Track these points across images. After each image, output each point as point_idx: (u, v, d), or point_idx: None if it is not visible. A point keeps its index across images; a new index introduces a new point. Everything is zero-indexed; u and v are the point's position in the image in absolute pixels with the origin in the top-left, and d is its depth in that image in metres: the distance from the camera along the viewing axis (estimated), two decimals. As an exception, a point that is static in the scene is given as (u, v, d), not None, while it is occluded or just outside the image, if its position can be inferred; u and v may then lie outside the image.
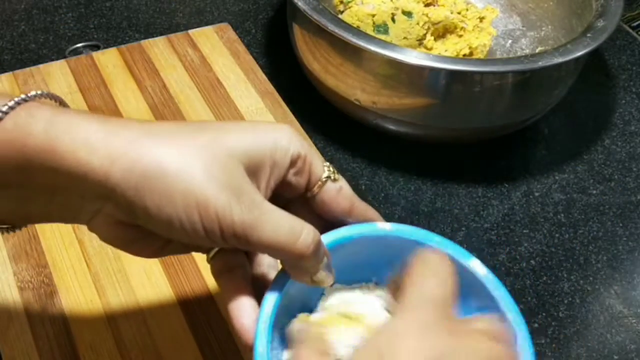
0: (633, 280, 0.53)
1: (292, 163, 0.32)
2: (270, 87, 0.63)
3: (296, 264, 0.31)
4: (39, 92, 0.31)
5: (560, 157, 0.62)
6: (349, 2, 0.66)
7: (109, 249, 0.49)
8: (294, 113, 0.60)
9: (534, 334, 0.49)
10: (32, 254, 0.48)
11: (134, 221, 0.30)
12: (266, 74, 0.64)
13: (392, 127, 0.58)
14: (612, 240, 0.56)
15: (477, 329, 0.29)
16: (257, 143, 0.31)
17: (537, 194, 0.59)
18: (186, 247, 0.34)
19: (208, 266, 0.49)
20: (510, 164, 0.61)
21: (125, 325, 0.45)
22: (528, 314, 0.50)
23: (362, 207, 0.35)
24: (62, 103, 0.33)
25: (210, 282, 0.48)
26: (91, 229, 0.32)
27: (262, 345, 0.30)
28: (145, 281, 0.47)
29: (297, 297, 0.34)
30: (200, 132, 0.30)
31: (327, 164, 0.34)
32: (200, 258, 0.49)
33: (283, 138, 0.32)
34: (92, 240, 0.49)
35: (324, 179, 0.34)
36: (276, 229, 0.30)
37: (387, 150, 0.61)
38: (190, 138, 0.30)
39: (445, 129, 0.58)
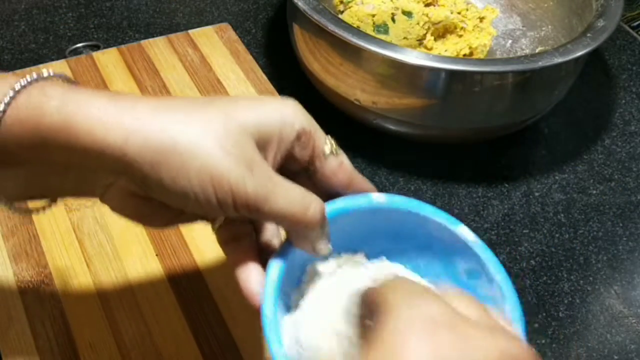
0: (633, 280, 0.53)
1: (298, 137, 0.33)
2: (270, 87, 0.63)
3: (302, 233, 0.32)
4: (50, 72, 0.31)
5: (560, 157, 0.62)
6: (349, 2, 0.66)
7: (109, 249, 0.49)
8: (294, 113, 0.60)
9: (533, 334, 0.49)
10: (32, 254, 0.48)
11: (148, 194, 0.31)
12: (266, 74, 0.64)
13: (392, 127, 0.58)
14: (612, 240, 0.56)
15: (482, 323, 0.28)
16: (266, 117, 0.32)
17: (537, 194, 0.59)
18: (196, 217, 0.35)
19: (208, 265, 0.49)
20: (510, 164, 0.61)
21: (125, 325, 0.45)
22: (528, 314, 0.50)
23: (361, 181, 0.36)
24: (73, 84, 0.33)
25: (211, 282, 0.48)
26: (103, 201, 0.33)
27: (269, 309, 0.31)
28: (146, 281, 0.47)
29: (297, 265, 0.35)
30: (210, 106, 0.31)
31: (329, 137, 0.35)
32: (200, 258, 0.49)
33: (289, 113, 0.33)
34: (92, 240, 0.49)
35: (327, 153, 0.35)
36: (288, 200, 0.31)
37: (387, 150, 0.61)
38: (201, 112, 0.31)
39: (445, 129, 0.58)
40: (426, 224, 0.36)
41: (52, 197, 0.35)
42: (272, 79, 0.64)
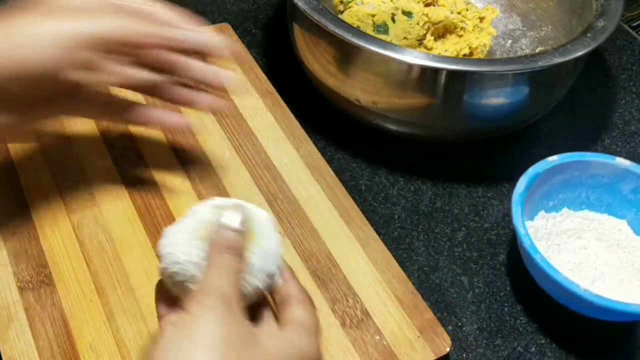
0: (633, 280, 0.53)
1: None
2: (270, 87, 0.63)
3: None
4: None
5: (560, 157, 0.62)
6: (349, 2, 0.66)
7: (109, 248, 0.49)
8: (294, 113, 0.60)
9: (534, 334, 0.49)
10: (32, 254, 0.48)
11: None
12: (266, 74, 0.64)
13: (392, 127, 0.58)
14: (612, 240, 0.56)
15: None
16: None
17: (537, 194, 0.59)
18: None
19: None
20: (510, 164, 0.61)
21: (125, 325, 0.45)
22: (528, 315, 0.50)
23: None
24: None
25: (210, 282, 0.48)
26: None
27: None
28: (145, 281, 0.47)
29: None
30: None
31: None
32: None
33: None
34: (92, 240, 0.49)
35: None
36: None
37: (387, 150, 0.61)
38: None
39: (445, 129, 0.58)
40: (589, 167, 0.51)
41: None
42: (272, 79, 0.64)
